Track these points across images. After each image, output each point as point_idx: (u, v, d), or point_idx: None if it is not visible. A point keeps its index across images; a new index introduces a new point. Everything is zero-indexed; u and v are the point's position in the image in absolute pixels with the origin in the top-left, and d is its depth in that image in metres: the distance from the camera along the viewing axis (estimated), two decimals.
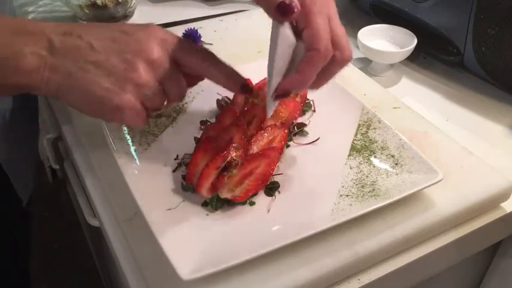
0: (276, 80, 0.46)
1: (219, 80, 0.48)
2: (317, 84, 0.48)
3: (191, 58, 0.47)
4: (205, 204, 0.49)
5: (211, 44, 0.78)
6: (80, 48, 0.43)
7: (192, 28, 0.77)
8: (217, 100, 0.63)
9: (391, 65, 0.77)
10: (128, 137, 0.56)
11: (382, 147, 0.55)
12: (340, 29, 0.45)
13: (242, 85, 0.48)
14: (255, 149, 0.53)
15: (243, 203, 0.49)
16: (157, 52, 0.45)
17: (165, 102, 0.48)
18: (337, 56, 0.45)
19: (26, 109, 0.69)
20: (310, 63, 0.44)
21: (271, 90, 0.47)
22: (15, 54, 0.41)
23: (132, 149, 0.55)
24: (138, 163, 0.53)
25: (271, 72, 0.46)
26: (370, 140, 0.56)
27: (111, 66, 0.43)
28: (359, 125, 0.58)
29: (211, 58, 0.48)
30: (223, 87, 0.48)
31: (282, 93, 0.47)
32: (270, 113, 0.50)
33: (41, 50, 0.42)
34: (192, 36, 0.76)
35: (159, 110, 0.48)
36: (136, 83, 0.44)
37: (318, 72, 0.45)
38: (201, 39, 0.77)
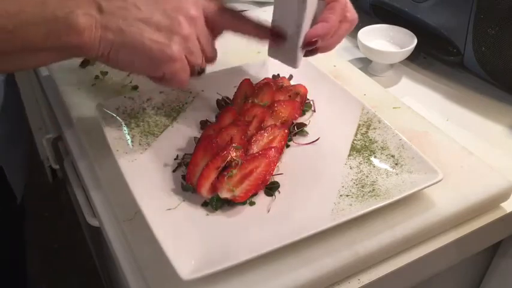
0: (304, 31, 0.52)
1: (250, 31, 0.53)
2: (333, 42, 0.56)
3: (222, 17, 0.52)
4: (205, 204, 0.49)
5: None
6: (126, 8, 0.45)
7: None
8: (217, 100, 0.63)
9: (391, 65, 0.77)
10: (125, 126, 0.56)
11: (382, 147, 0.55)
12: None
13: (271, 31, 0.53)
14: (255, 149, 0.53)
15: (243, 203, 0.49)
16: (195, 10, 0.48)
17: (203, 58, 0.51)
18: (347, 16, 0.55)
19: (8, 108, 0.69)
20: (332, 11, 0.53)
21: (300, 40, 0.52)
22: (68, 14, 0.42)
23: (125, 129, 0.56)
24: (130, 144, 0.54)
25: (300, 24, 0.51)
26: (370, 140, 0.56)
27: (157, 21, 0.46)
28: (359, 125, 0.58)
29: (238, 15, 0.53)
30: (255, 36, 0.53)
31: (309, 41, 0.53)
32: (299, 63, 0.55)
33: (92, 11, 0.44)
34: None
35: (199, 66, 0.51)
36: (182, 35, 0.47)
37: (337, 22, 0.53)
38: None
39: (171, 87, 0.55)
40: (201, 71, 0.51)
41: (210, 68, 0.55)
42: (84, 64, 0.71)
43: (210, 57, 0.52)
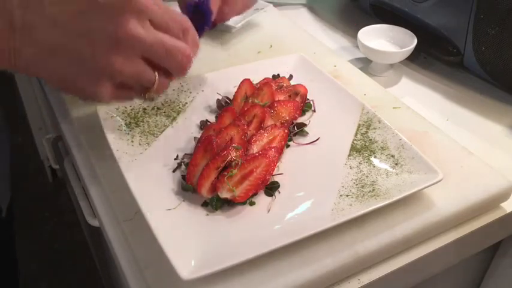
0: None
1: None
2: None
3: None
4: (205, 204, 0.49)
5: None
6: (42, 26, 0.37)
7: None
8: (217, 100, 0.63)
9: (391, 65, 0.77)
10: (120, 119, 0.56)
11: (382, 147, 0.55)
12: None
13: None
14: (255, 149, 0.53)
15: (243, 203, 0.49)
16: (131, 27, 0.38)
17: (156, 82, 0.43)
18: None
19: None
20: None
21: None
22: None
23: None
24: (130, 143, 0.54)
25: None
26: (370, 140, 0.56)
27: (78, 51, 0.38)
28: (359, 125, 0.58)
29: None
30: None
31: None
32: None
33: (5, 31, 0.37)
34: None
35: (152, 86, 0.43)
36: (107, 71, 0.39)
37: None
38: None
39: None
40: (149, 98, 0.44)
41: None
42: None
43: (175, 69, 0.43)
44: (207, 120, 0.60)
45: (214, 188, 0.49)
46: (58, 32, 0.37)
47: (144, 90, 0.44)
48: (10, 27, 0.37)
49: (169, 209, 0.48)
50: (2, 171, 0.72)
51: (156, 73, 0.43)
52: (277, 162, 0.53)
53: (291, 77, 0.66)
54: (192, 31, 0.45)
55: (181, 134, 0.58)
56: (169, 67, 0.43)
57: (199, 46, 0.46)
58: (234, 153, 0.50)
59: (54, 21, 0.37)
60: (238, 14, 0.59)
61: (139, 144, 0.55)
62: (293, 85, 0.64)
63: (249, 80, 0.62)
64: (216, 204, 0.49)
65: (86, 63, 0.39)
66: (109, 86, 0.41)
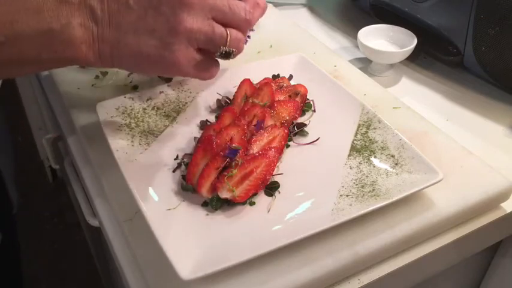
0: None
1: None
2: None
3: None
4: (205, 204, 0.49)
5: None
6: (119, 11, 0.42)
7: None
8: (217, 100, 0.63)
9: (391, 65, 0.77)
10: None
11: (382, 147, 0.55)
12: None
13: None
14: (255, 149, 0.53)
15: (243, 203, 0.49)
16: None
17: (229, 36, 0.46)
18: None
19: None
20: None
21: None
22: (64, 27, 0.40)
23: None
24: (130, 144, 0.53)
25: None
26: (370, 140, 0.56)
27: (152, 22, 0.42)
28: (359, 125, 0.58)
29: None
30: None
31: None
32: None
33: (87, 21, 0.41)
34: None
35: (224, 46, 0.46)
36: (181, 31, 0.42)
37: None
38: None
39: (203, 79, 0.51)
40: (227, 54, 0.46)
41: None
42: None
43: (242, 26, 0.46)
44: (207, 120, 0.60)
45: (214, 188, 0.49)
46: (133, 11, 0.42)
47: (223, 57, 0.47)
48: (93, 18, 0.41)
49: (169, 209, 0.48)
50: (9, 170, 0.73)
51: (228, 30, 0.46)
52: (277, 162, 0.53)
53: (291, 77, 0.66)
54: None
55: (181, 134, 0.58)
56: (235, 23, 0.46)
57: (263, 7, 0.50)
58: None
59: (127, 3, 0.42)
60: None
61: (139, 144, 0.55)
62: (293, 85, 0.64)
63: (249, 80, 0.62)
64: (216, 204, 0.49)
65: (162, 32, 0.42)
66: (187, 51, 0.43)
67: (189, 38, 0.43)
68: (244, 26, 0.47)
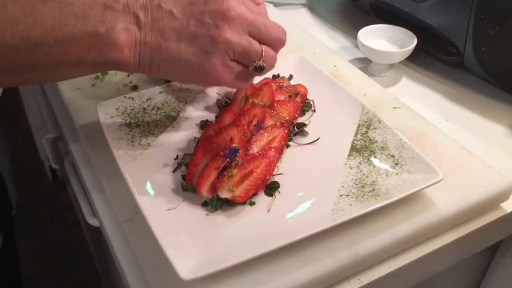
0: None
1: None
2: None
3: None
4: (205, 204, 0.49)
5: None
6: (162, 18, 0.44)
7: None
8: (217, 100, 0.63)
9: (391, 65, 0.77)
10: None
11: (382, 147, 0.55)
12: None
13: None
14: (255, 149, 0.53)
15: (243, 203, 0.49)
16: (236, 7, 0.45)
17: (263, 52, 0.48)
18: None
19: None
20: None
21: None
22: (109, 30, 0.42)
23: None
24: (130, 144, 0.53)
25: None
26: (370, 140, 0.56)
27: (194, 30, 0.44)
28: (359, 125, 0.58)
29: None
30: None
31: None
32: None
33: (131, 25, 0.43)
34: None
35: (258, 61, 0.48)
36: (221, 41, 0.45)
37: None
38: None
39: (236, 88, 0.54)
40: (261, 68, 0.48)
41: None
42: None
43: (275, 41, 0.49)
44: (207, 120, 0.60)
45: (214, 188, 0.49)
46: (177, 20, 0.44)
47: (256, 71, 0.49)
48: (136, 23, 0.43)
49: (169, 209, 0.48)
50: (8, 171, 0.73)
51: (262, 46, 0.48)
52: (277, 162, 0.53)
53: (291, 77, 0.66)
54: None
55: (181, 134, 0.58)
56: (270, 41, 0.49)
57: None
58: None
59: (171, 12, 0.44)
60: None
61: (140, 144, 0.55)
62: (293, 85, 0.64)
63: None
64: (216, 204, 0.49)
65: (203, 40, 0.44)
66: (224, 60, 0.45)
67: (227, 49, 0.45)
68: (278, 45, 0.50)
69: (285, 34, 0.50)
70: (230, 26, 0.45)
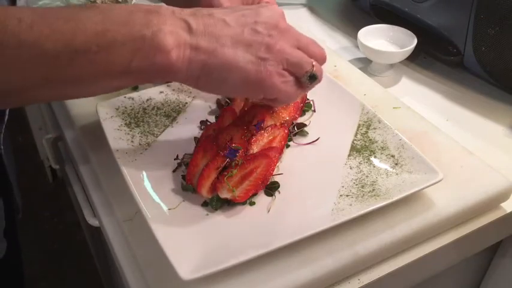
0: None
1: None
2: None
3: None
4: (205, 204, 0.49)
5: None
6: (215, 25, 0.43)
7: None
8: (217, 100, 0.63)
9: (391, 65, 0.77)
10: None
11: (382, 147, 0.55)
12: None
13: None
14: (255, 149, 0.53)
15: (243, 203, 0.49)
16: (284, 22, 0.47)
17: (314, 63, 0.48)
18: None
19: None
20: None
21: None
22: (155, 33, 0.40)
23: None
24: (130, 144, 0.53)
25: None
26: (370, 140, 0.56)
27: (248, 38, 0.44)
28: (359, 125, 0.58)
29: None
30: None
31: None
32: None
33: (180, 30, 0.42)
34: None
35: (307, 74, 0.48)
36: (276, 50, 0.45)
37: None
38: None
39: (280, 104, 0.55)
40: (313, 77, 0.49)
41: None
42: None
43: (321, 57, 0.50)
44: (207, 120, 0.60)
45: (214, 188, 0.49)
46: (231, 28, 0.44)
47: (309, 80, 0.49)
48: (186, 28, 0.42)
49: (169, 209, 0.48)
50: (13, 174, 0.73)
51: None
52: (277, 162, 0.53)
53: None
54: None
55: (181, 134, 0.58)
56: (315, 56, 0.49)
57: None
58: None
59: (224, 20, 0.44)
60: None
61: (139, 144, 0.55)
62: None
63: None
64: (216, 204, 0.49)
65: (258, 48, 0.44)
66: (278, 68, 0.46)
67: (281, 58, 0.46)
68: (321, 61, 0.50)
69: (326, 54, 0.51)
70: (282, 37, 0.46)
